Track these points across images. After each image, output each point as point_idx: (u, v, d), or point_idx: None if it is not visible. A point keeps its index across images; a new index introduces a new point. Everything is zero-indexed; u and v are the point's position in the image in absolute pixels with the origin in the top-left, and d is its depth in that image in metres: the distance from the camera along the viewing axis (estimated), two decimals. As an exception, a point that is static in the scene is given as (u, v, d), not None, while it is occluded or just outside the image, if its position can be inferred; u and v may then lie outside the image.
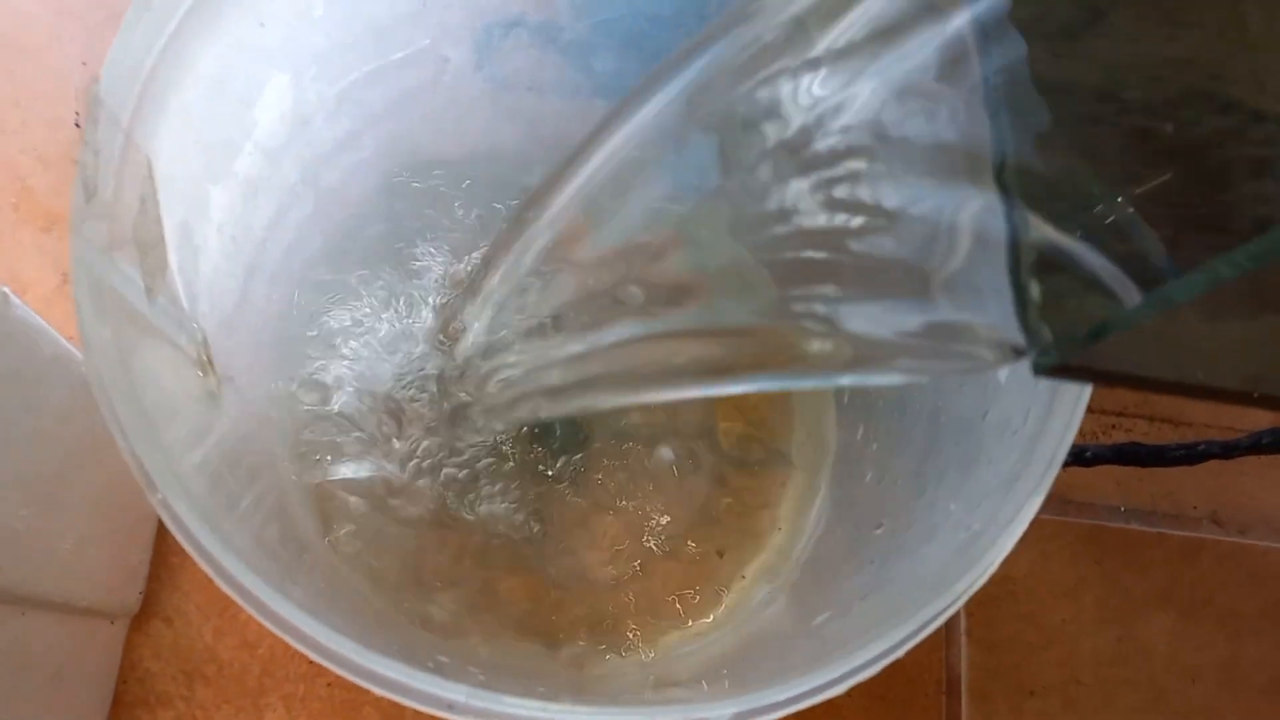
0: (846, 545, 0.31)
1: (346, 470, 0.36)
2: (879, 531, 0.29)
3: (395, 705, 0.42)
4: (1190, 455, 0.44)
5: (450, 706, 0.19)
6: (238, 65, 0.26)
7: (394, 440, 0.37)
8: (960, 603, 0.20)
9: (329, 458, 0.35)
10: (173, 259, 0.25)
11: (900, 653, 0.20)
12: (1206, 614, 0.46)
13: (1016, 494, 0.21)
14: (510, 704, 0.18)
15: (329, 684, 0.42)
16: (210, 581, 0.42)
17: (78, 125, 0.48)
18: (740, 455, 0.40)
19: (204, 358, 0.26)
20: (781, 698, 0.20)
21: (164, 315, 0.24)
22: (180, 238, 0.26)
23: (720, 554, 0.38)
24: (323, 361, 0.35)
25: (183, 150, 0.25)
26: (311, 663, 0.42)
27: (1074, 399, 0.22)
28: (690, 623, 0.37)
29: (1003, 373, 0.26)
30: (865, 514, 0.32)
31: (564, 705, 0.19)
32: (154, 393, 0.22)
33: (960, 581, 0.20)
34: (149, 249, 0.23)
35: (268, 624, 0.19)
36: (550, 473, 0.40)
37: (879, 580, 0.25)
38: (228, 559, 0.19)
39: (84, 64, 0.48)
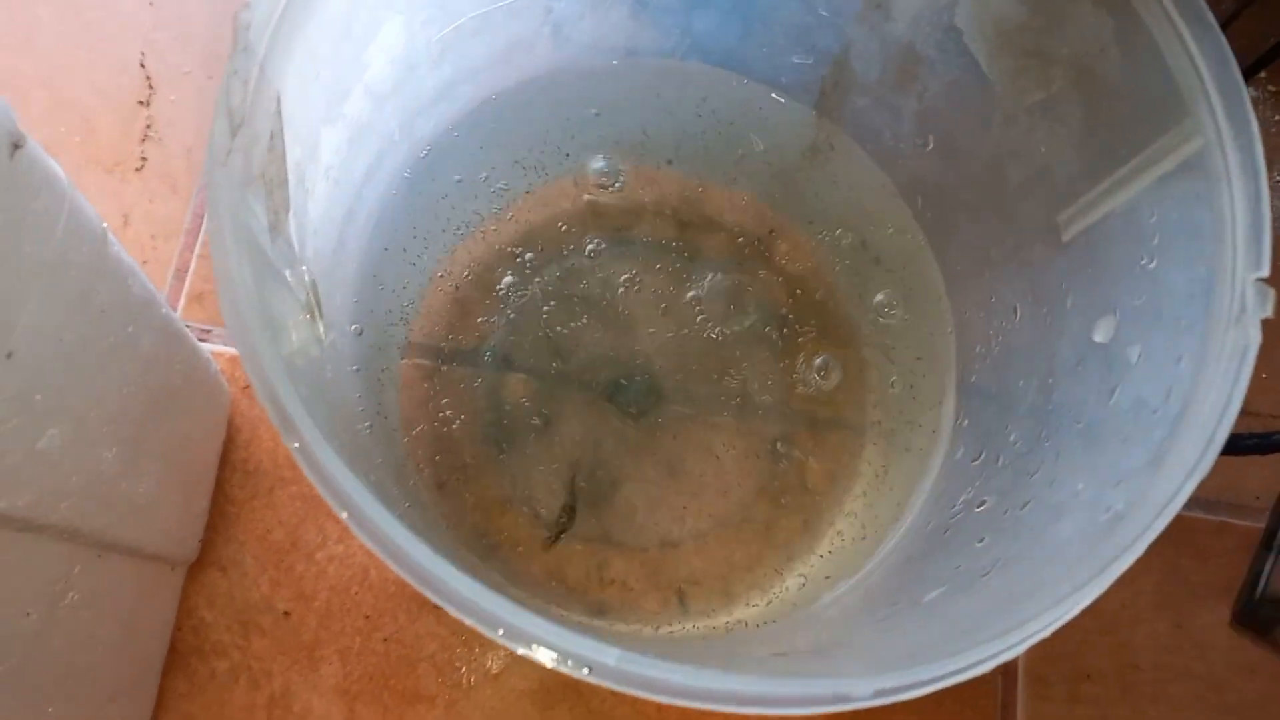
0: (943, 521, 0.31)
1: (435, 420, 0.35)
2: (981, 510, 0.29)
3: (450, 663, 0.42)
4: (1263, 445, 0.43)
5: (592, 669, 0.18)
6: (360, 4, 0.25)
7: (483, 390, 0.36)
8: (1109, 583, 0.20)
9: (419, 406, 0.35)
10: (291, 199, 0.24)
11: (1047, 632, 0.20)
12: (1267, 607, 0.45)
13: (1169, 474, 0.21)
14: (661, 668, 0.18)
15: (385, 639, 0.41)
16: (267, 532, 0.42)
17: (142, 65, 0.47)
18: (816, 423, 0.40)
19: (313, 301, 0.26)
20: (927, 676, 0.19)
21: (281, 257, 0.24)
22: (295, 179, 0.25)
23: (803, 521, 0.38)
24: (414, 309, 0.35)
25: (305, 89, 0.24)
26: (368, 617, 0.42)
27: (1232, 379, 0.21)
28: (770, 591, 0.37)
29: (1133, 351, 0.26)
30: (961, 490, 0.31)
31: (713, 671, 0.18)
32: (280, 339, 0.21)
33: (1115, 563, 0.20)
34: (275, 187, 0.22)
35: (408, 577, 0.19)
36: (622, 432, 0.40)
37: (999, 558, 0.25)
38: (372, 507, 0.19)
39: (151, 4, 0.47)
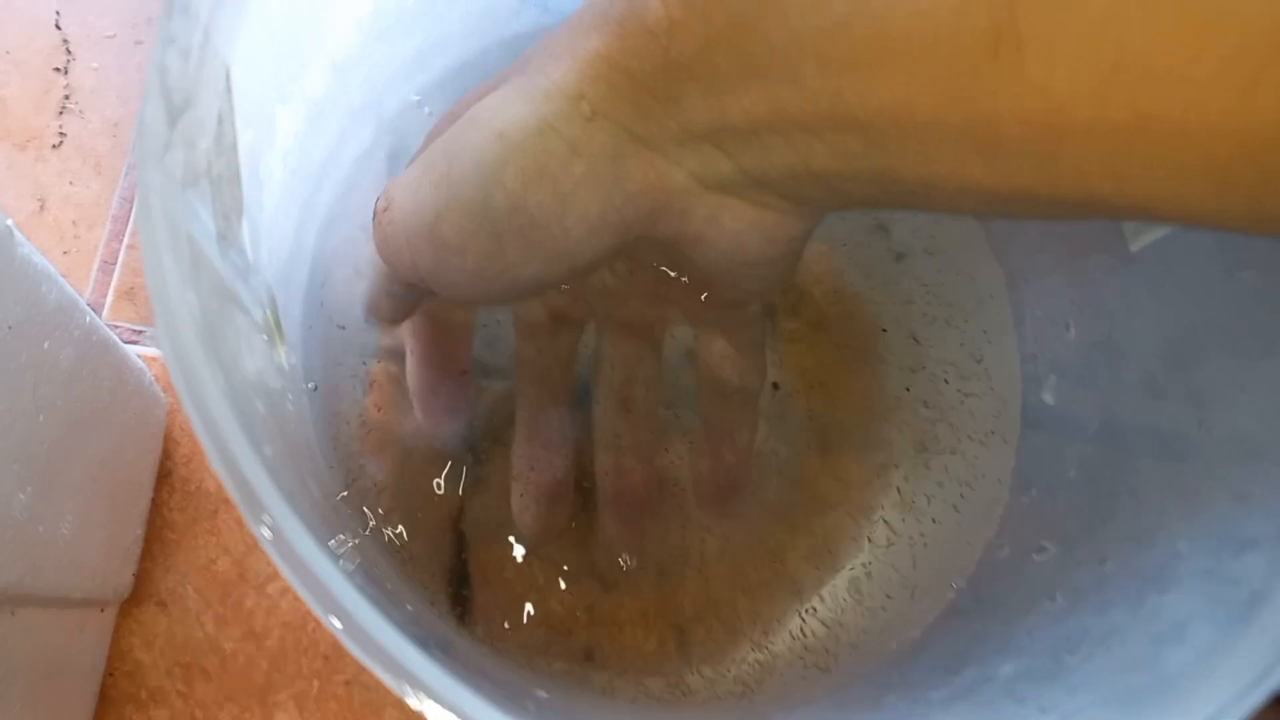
0: (990, 568, 0.27)
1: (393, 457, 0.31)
2: (1042, 558, 0.25)
3: (422, 707, 0.38)
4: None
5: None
6: (325, -46, 0.21)
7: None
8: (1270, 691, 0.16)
9: (381, 440, 0.30)
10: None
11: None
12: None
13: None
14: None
15: (346, 681, 0.37)
16: (210, 562, 0.37)
17: (58, 27, 0.41)
18: (832, 438, 0.36)
19: (272, 321, 0.21)
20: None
21: (234, 270, 0.19)
22: (248, 171, 0.20)
23: (816, 547, 0.34)
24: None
25: (256, 59, 0.20)
26: (327, 657, 0.38)
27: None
28: (779, 631, 0.33)
29: (1218, 372, 0.22)
30: (1008, 530, 0.28)
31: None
32: (236, 378, 0.17)
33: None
34: (226, 184, 0.18)
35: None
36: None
37: (1088, 629, 0.21)
38: (354, 605, 0.14)
39: (69, -44, 0.42)
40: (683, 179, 0.21)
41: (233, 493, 0.15)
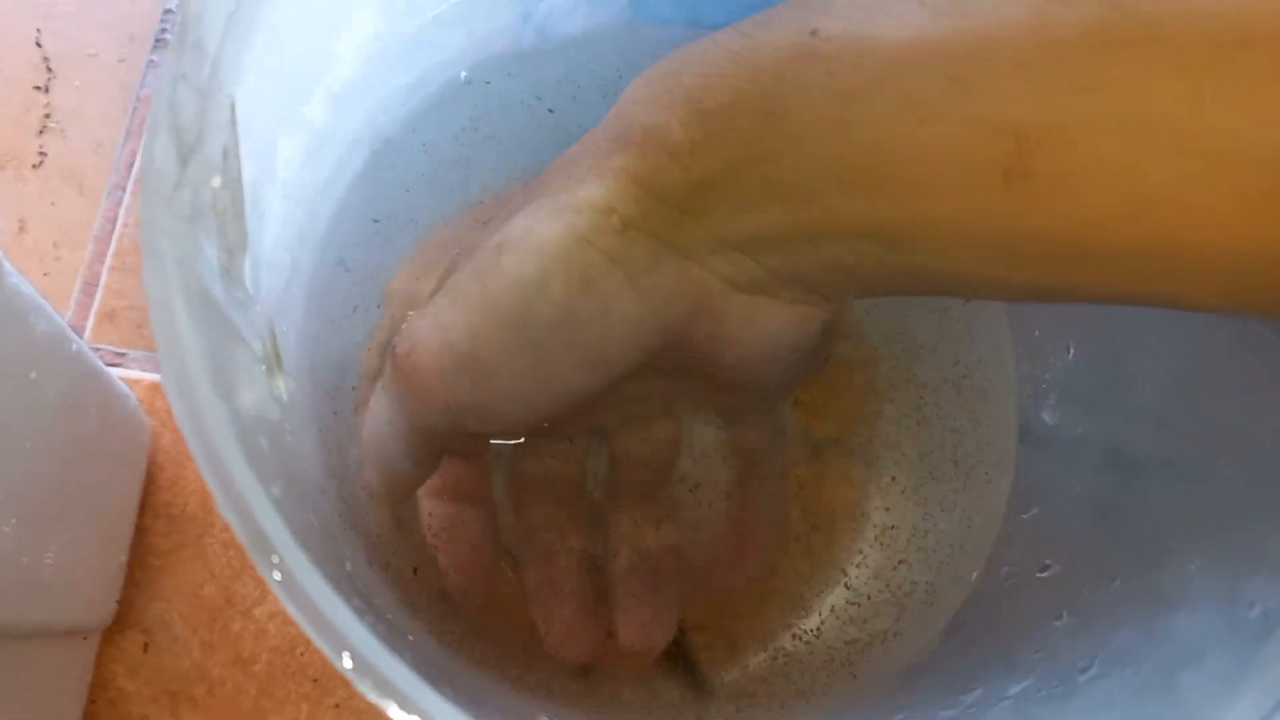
0: (993, 585, 0.27)
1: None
2: (1046, 575, 0.26)
3: (415, 733, 0.37)
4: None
5: None
6: (329, -19, 0.20)
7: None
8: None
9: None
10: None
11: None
12: None
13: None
14: None
15: (336, 705, 0.37)
16: (197, 588, 0.37)
17: (39, 45, 0.41)
18: (824, 451, 0.36)
19: (272, 353, 0.21)
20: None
21: (234, 302, 0.19)
22: (250, 202, 0.20)
23: (803, 568, 0.34)
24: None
25: (260, 90, 0.19)
26: (316, 680, 0.37)
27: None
28: (776, 644, 0.33)
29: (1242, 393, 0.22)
30: (1008, 549, 0.28)
31: None
32: (241, 415, 0.17)
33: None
34: (231, 219, 0.17)
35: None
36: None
37: (1097, 652, 0.21)
38: (365, 644, 0.14)
39: (49, -28, 0.41)
40: (717, 283, 0.21)
41: (242, 537, 0.15)
